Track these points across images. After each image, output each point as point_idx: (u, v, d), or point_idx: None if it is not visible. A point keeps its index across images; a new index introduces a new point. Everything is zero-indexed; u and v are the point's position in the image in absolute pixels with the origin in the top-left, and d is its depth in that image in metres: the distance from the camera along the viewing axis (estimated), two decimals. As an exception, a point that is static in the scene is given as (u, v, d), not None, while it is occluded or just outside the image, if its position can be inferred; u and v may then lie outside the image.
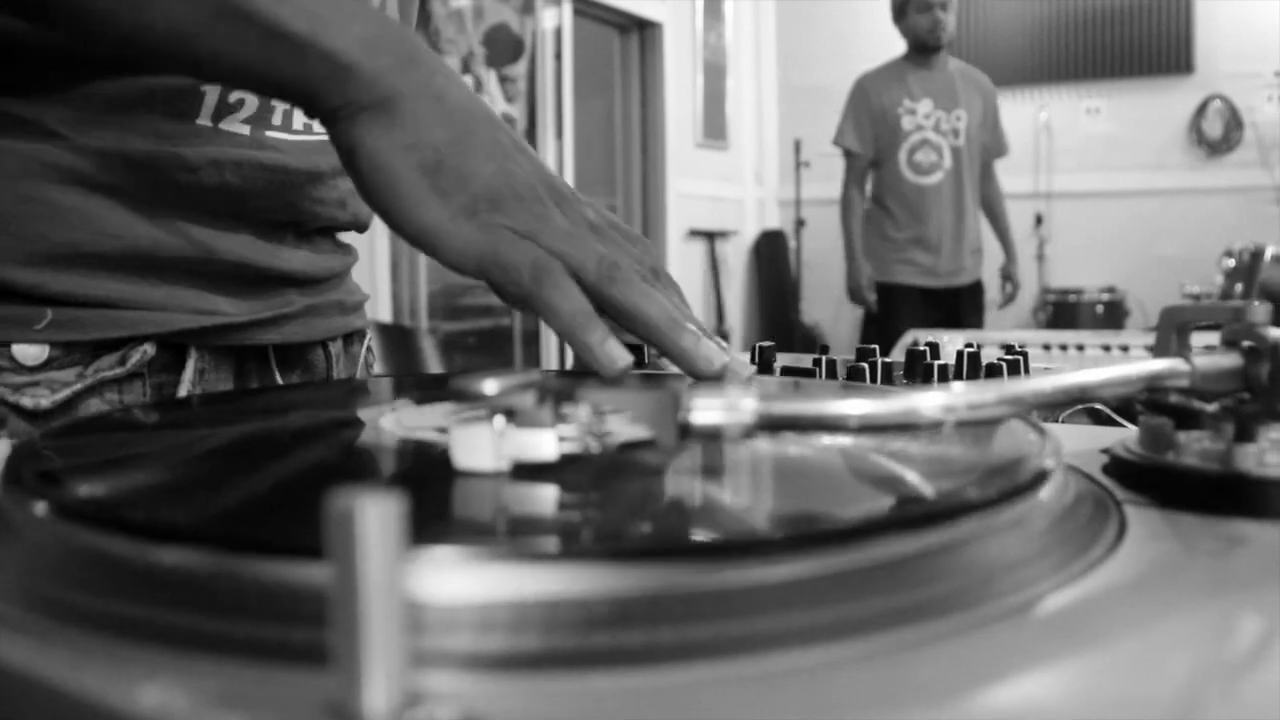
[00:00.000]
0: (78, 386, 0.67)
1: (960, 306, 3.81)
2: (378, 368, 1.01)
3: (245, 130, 0.71)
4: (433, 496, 0.35)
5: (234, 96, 0.70)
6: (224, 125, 0.71)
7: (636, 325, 0.50)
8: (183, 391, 0.71)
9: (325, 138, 0.76)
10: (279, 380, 0.79)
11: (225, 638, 0.26)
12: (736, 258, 6.19)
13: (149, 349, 0.69)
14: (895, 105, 3.83)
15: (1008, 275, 4.13)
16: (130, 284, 0.68)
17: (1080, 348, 2.09)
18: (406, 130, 0.54)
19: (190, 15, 0.54)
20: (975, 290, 3.93)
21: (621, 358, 0.49)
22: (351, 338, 0.89)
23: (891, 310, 3.76)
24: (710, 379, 0.50)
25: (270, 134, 0.73)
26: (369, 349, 0.94)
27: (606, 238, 0.55)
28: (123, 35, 0.57)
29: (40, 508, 0.33)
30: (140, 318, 0.69)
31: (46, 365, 0.66)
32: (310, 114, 0.58)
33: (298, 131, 0.75)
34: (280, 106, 0.73)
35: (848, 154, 3.93)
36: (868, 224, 3.88)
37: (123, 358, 0.68)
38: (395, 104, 0.54)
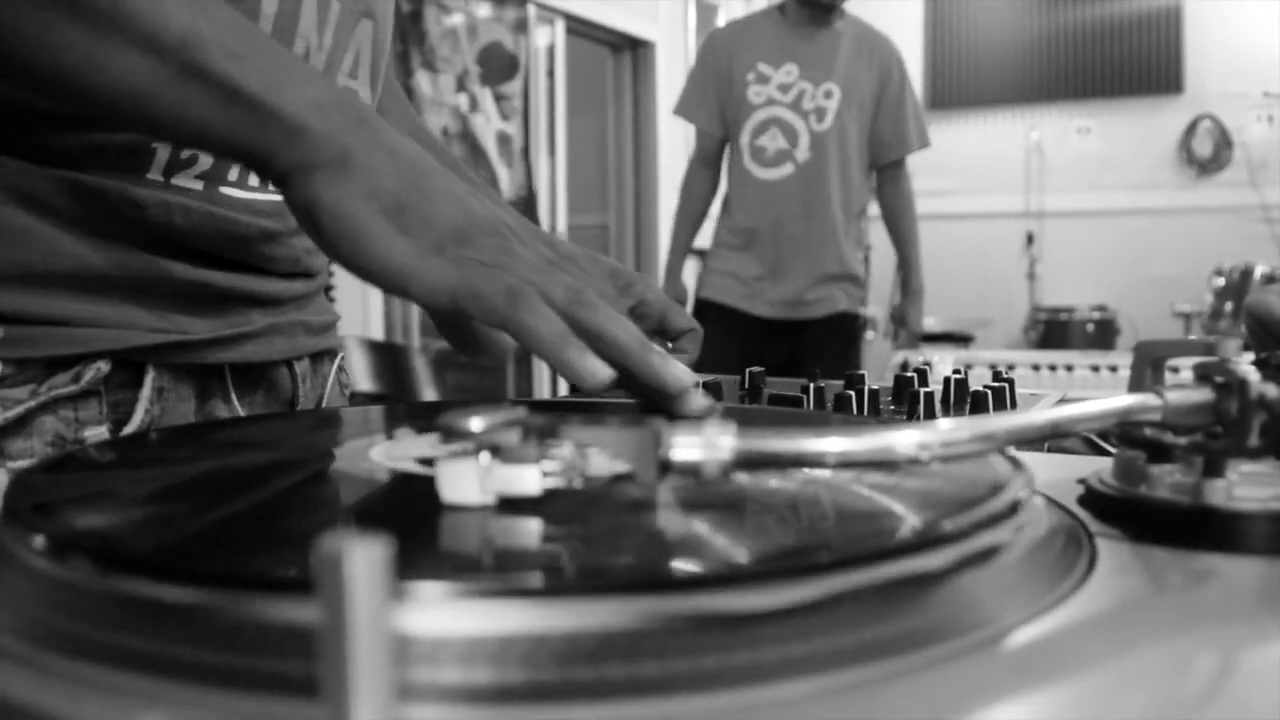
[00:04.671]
0: (31, 404, 0.67)
1: (804, 345, 2.85)
2: (366, 386, 1.01)
3: (198, 186, 0.72)
4: (421, 530, 0.36)
5: (186, 153, 0.71)
6: (176, 180, 0.71)
7: (606, 348, 0.52)
8: (140, 409, 0.71)
9: (280, 198, 0.77)
10: (236, 401, 0.79)
11: (221, 669, 0.27)
12: (729, 275, 6.20)
13: (103, 366, 0.69)
14: (744, 70, 2.84)
15: (901, 320, 3.03)
16: (83, 302, 0.69)
17: (1069, 368, 2.11)
18: (363, 181, 0.55)
19: (150, 75, 0.55)
20: (831, 326, 2.89)
21: (602, 370, 0.50)
22: (321, 358, 0.89)
23: (706, 336, 2.82)
24: (675, 398, 0.52)
25: (224, 190, 0.73)
26: (341, 369, 0.93)
27: (569, 269, 0.57)
28: (82, 92, 0.57)
29: (39, 541, 0.34)
30: (93, 335, 0.69)
31: (0, 383, 0.67)
32: (265, 176, 0.59)
33: (253, 189, 0.75)
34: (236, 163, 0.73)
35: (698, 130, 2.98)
36: (719, 222, 2.97)
37: (76, 375, 0.68)
38: (349, 159, 0.56)
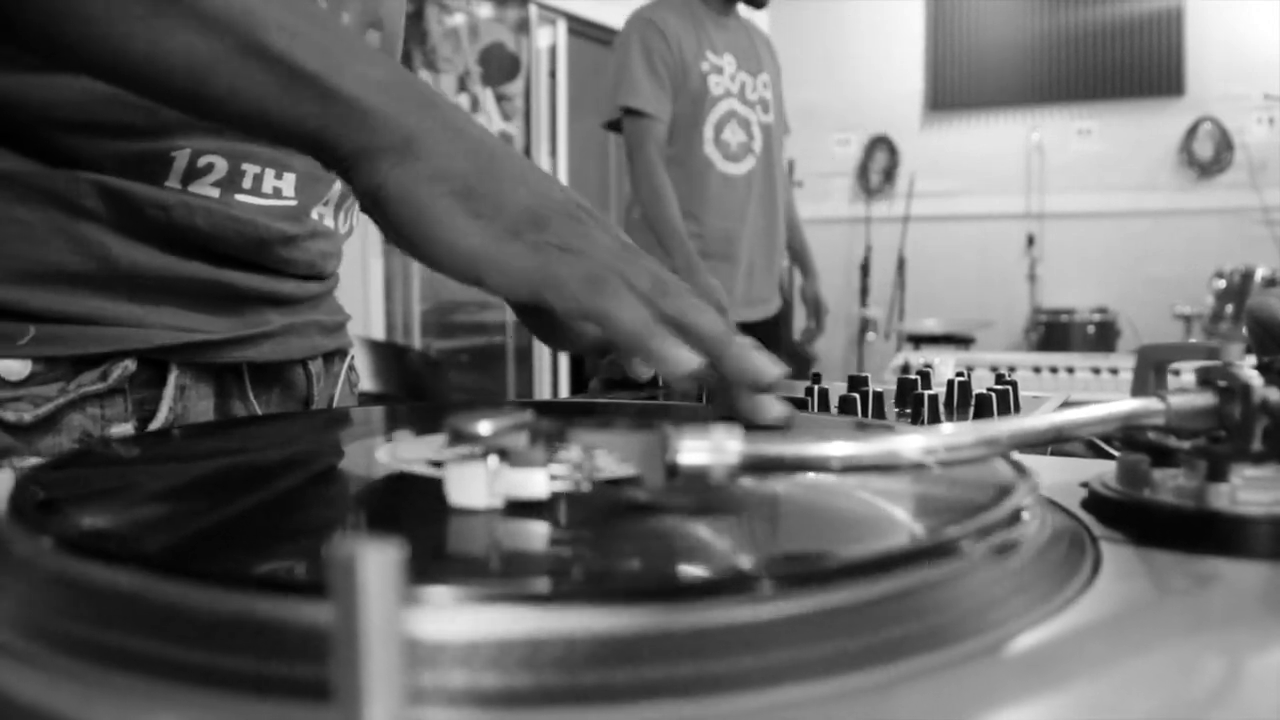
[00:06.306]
0: (60, 401, 0.68)
1: (769, 342, 2.19)
2: (368, 385, 1.02)
3: (214, 193, 0.72)
4: (429, 534, 0.36)
5: (203, 160, 0.71)
6: (193, 188, 0.71)
7: (691, 339, 0.49)
8: (164, 407, 0.72)
9: (295, 203, 0.76)
10: (253, 400, 0.80)
11: (231, 672, 0.27)
12: (730, 276, 6.20)
13: (130, 364, 0.70)
14: (696, 59, 2.60)
15: (815, 301, 2.90)
16: (110, 302, 0.70)
17: (1070, 370, 2.11)
18: (430, 163, 0.53)
19: (210, 49, 0.54)
20: (781, 321, 2.90)
21: (690, 360, 0.48)
22: (332, 357, 0.90)
23: None
24: (765, 390, 0.50)
25: (240, 197, 0.74)
26: (351, 368, 0.95)
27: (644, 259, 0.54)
28: (140, 73, 0.56)
29: (45, 541, 0.34)
30: (120, 334, 0.70)
31: (29, 380, 0.67)
32: (329, 164, 0.56)
33: (267, 195, 0.75)
34: (250, 171, 0.74)
35: (631, 115, 2.58)
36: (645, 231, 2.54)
37: (104, 373, 0.69)
38: (414, 142, 0.53)
